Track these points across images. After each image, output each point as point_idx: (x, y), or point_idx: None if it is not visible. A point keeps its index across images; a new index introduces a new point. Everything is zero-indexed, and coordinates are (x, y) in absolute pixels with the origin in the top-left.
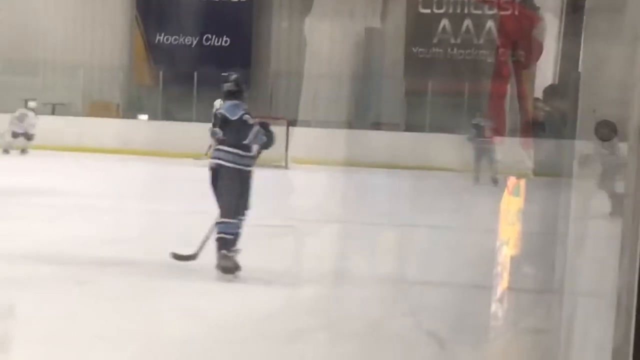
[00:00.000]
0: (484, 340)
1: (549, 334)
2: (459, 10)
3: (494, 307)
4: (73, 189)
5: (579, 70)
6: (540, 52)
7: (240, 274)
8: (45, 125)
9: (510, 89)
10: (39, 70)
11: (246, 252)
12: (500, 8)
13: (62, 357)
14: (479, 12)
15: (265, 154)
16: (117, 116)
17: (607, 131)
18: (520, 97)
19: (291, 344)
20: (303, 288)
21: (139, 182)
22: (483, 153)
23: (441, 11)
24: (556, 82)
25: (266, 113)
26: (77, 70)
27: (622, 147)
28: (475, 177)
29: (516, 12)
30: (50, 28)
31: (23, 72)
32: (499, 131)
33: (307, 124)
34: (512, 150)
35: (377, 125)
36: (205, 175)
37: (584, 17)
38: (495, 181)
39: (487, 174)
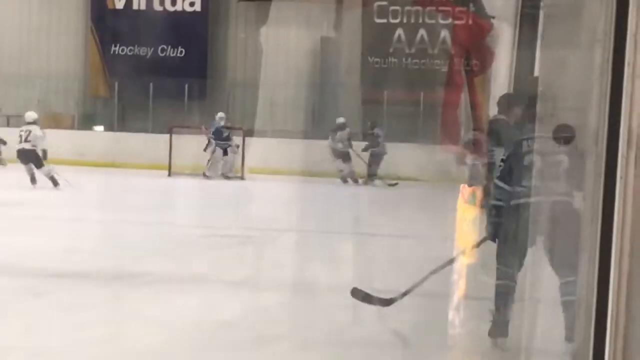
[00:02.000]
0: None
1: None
2: (413, 20)
3: (451, 314)
4: (28, 200)
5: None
6: (492, 60)
7: (203, 282)
8: None
9: (463, 97)
10: None
11: (205, 261)
12: (454, 17)
13: None
14: (433, 21)
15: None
16: (73, 127)
17: (566, 135)
18: (473, 105)
19: (252, 352)
20: (262, 296)
21: (95, 193)
22: None
23: (396, 21)
24: (511, 91)
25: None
26: (32, 81)
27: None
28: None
29: (470, 22)
30: (4, 38)
31: None
32: (452, 140)
33: (263, 133)
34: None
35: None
36: (164, 186)
37: (540, 25)
38: None
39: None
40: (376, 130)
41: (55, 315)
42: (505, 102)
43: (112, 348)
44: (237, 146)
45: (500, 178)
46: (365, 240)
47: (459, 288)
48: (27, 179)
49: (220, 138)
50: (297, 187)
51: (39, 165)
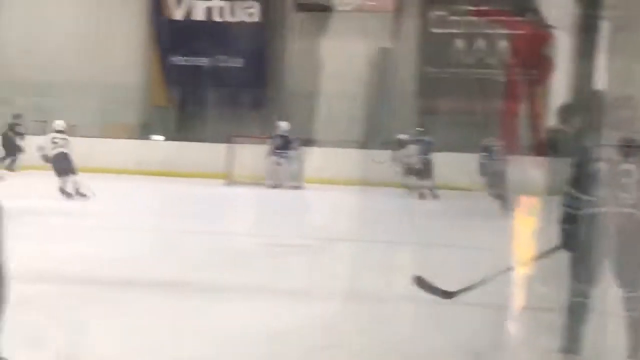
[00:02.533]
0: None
1: None
2: (471, 30)
3: (512, 327)
4: (88, 210)
5: (596, 87)
6: (552, 70)
7: (253, 292)
8: None
9: (522, 108)
10: (54, 92)
11: (262, 270)
12: (512, 28)
13: None
14: (492, 31)
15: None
16: (133, 137)
17: (629, 147)
18: (533, 115)
19: None
20: (319, 305)
21: (154, 202)
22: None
23: (454, 31)
24: (570, 101)
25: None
26: (92, 91)
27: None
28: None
29: (528, 31)
30: (66, 48)
31: (38, 94)
32: (512, 150)
33: (321, 143)
34: (524, 169)
35: (390, 145)
36: (221, 195)
37: (603, 35)
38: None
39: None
40: (426, 139)
41: (112, 323)
42: (565, 113)
43: (168, 357)
44: (298, 156)
45: (570, 185)
46: (422, 250)
47: (520, 299)
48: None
49: (279, 147)
50: (354, 196)
51: (74, 171)
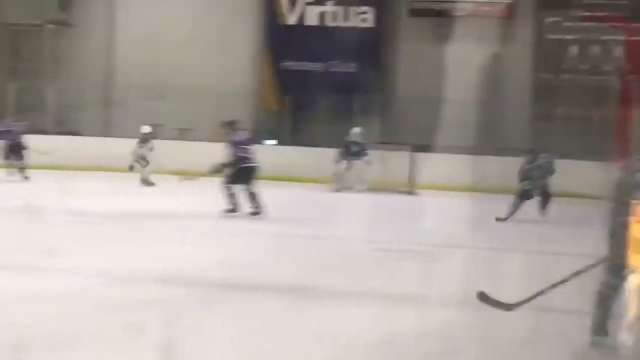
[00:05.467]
0: None
1: None
2: (587, 36)
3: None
4: (198, 213)
5: None
6: None
7: (368, 297)
8: (172, 151)
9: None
10: (168, 95)
11: (375, 276)
12: (628, 33)
13: None
14: (608, 37)
15: (391, 179)
16: None
17: None
18: None
19: None
20: (432, 312)
21: (269, 206)
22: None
23: (569, 37)
24: None
25: (392, 139)
26: (205, 96)
27: None
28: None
29: None
30: (179, 54)
31: (153, 97)
32: (624, 156)
33: (435, 149)
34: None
35: (503, 151)
36: (336, 201)
37: None
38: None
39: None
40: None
41: (233, 326)
42: None
43: None
44: (368, 161)
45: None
46: (534, 258)
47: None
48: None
49: (348, 152)
50: (467, 203)
51: None
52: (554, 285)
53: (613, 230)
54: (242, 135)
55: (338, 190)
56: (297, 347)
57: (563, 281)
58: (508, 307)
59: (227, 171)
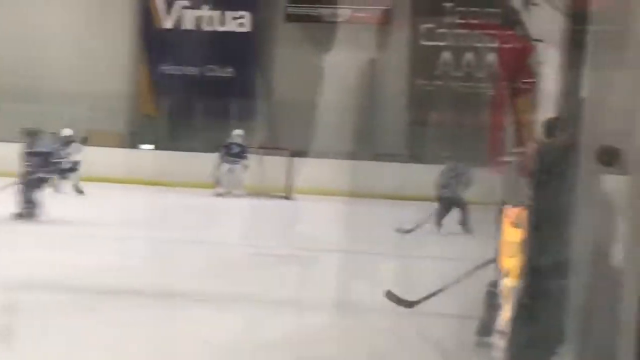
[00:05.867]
0: None
1: None
2: (460, 43)
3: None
4: (78, 218)
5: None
6: (535, 82)
7: (245, 302)
8: None
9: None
10: (44, 99)
11: (252, 281)
12: (501, 41)
13: None
14: (481, 44)
15: (269, 184)
16: (121, 146)
17: (609, 157)
18: (517, 127)
19: None
20: (307, 316)
21: (144, 211)
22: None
23: (443, 44)
24: (557, 114)
25: (270, 143)
26: (81, 99)
27: None
28: None
29: (516, 45)
30: (55, 57)
31: (28, 101)
32: (496, 162)
33: (310, 154)
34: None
35: (380, 156)
36: (216, 205)
37: (586, 49)
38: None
39: None
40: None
41: (103, 332)
42: (550, 126)
43: None
44: (247, 165)
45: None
46: (408, 262)
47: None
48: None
49: (229, 154)
50: (343, 208)
51: None
52: (449, 285)
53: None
54: (44, 144)
55: (218, 195)
56: (171, 352)
57: (457, 281)
58: (409, 304)
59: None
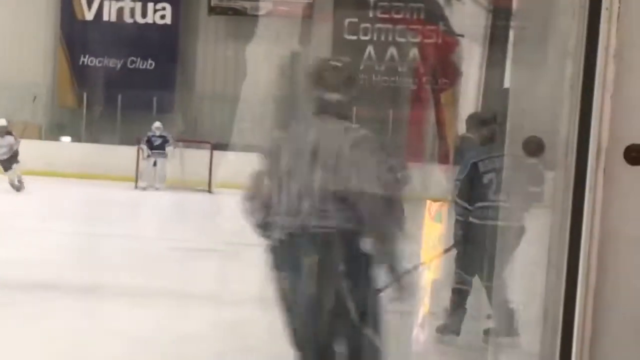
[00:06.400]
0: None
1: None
2: (383, 38)
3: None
4: None
5: (503, 96)
6: (458, 78)
7: (163, 296)
8: None
9: (429, 115)
10: None
11: (171, 274)
12: (423, 36)
13: None
14: (404, 39)
15: (189, 178)
16: (40, 138)
17: (535, 147)
18: (439, 122)
19: None
20: (226, 310)
21: (63, 204)
22: None
23: (366, 38)
24: (479, 109)
25: (190, 137)
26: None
27: None
28: None
29: (439, 40)
30: None
31: None
32: (417, 157)
33: (231, 147)
34: (429, 175)
35: None
36: (136, 199)
37: (510, 42)
38: None
39: None
40: None
41: (27, 327)
42: (473, 121)
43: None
44: (168, 158)
45: (459, 196)
46: None
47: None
48: None
49: (151, 147)
50: None
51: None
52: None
53: (458, 229)
54: None
55: (139, 187)
56: (90, 347)
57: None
58: None
59: None
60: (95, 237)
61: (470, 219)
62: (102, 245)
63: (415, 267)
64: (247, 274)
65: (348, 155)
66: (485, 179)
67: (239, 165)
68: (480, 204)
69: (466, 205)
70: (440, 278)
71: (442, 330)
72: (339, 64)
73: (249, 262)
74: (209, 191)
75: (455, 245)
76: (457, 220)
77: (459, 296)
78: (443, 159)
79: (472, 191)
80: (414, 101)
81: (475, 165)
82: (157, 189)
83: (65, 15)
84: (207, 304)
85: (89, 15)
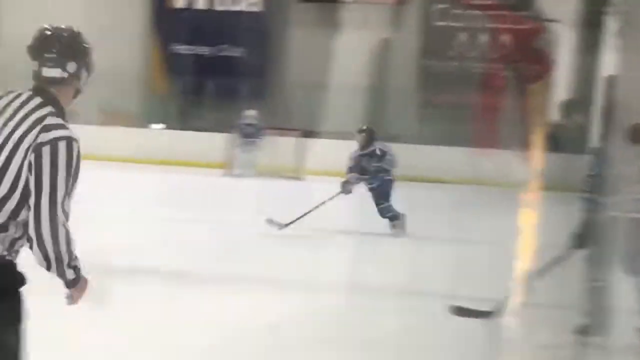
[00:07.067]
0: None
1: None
2: (474, 24)
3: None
4: (89, 198)
5: (599, 83)
6: (550, 63)
7: (250, 281)
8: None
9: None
10: None
11: (262, 261)
12: (514, 22)
13: None
14: (494, 25)
15: (279, 164)
16: (132, 125)
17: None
18: (526, 110)
19: (306, 352)
20: (318, 297)
21: (155, 191)
22: None
23: (457, 24)
24: (572, 96)
25: (280, 124)
26: (92, 79)
27: None
28: None
29: (530, 26)
30: None
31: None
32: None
33: (321, 135)
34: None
35: (389, 138)
36: (226, 185)
37: (610, 28)
38: None
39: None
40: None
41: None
42: (566, 108)
43: (168, 346)
44: (260, 145)
45: (592, 190)
46: (413, 243)
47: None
48: None
49: (242, 135)
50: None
51: None
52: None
53: (588, 223)
54: None
55: (229, 175)
56: (180, 333)
57: (544, 271)
58: (487, 314)
59: None
60: (186, 224)
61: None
62: (193, 231)
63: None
64: (336, 261)
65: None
66: (613, 169)
67: (329, 153)
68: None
69: (595, 197)
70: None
71: (583, 331)
72: (55, 32)
73: (337, 248)
74: (299, 178)
75: (583, 241)
76: (588, 216)
77: (597, 294)
78: (531, 146)
79: (601, 182)
80: (504, 88)
81: (604, 159)
82: (247, 176)
83: (157, 3)
84: (297, 291)
85: (180, 3)
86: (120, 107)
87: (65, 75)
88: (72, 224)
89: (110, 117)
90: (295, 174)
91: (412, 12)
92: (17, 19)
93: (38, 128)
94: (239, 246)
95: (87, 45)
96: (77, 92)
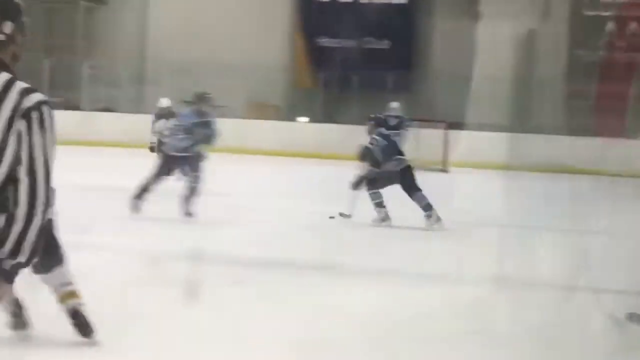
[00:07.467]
0: None
1: None
2: (624, 13)
3: None
4: (235, 191)
5: None
6: None
7: (396, 274)
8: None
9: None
10: (201, 72)
11: (404, 253)
12: None
13: (216, 357)
14: None
15: (424, 157)
16: (277, 118)
17: None
18: None
19: (446, 345)
20: (463, 290)
21: (302, 184)
22: None
23: (607, 14)
24: None
25: (426, 116)
26: (238, 72)
27: None
28: None
29: None
30: (211, 29)
31: (183, 73)
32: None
33: (468, 127)
34: None
35: (537, 129)
36: None
37: None
38: None
39: None
40: None
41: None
42: None
43: (304, 338)
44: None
45: None
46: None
47: None
48: None
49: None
50: (501, 181)
51: None
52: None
53: None
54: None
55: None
56: (324, 325)
57: None
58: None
59: None
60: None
61: None
62: (339, 224)
63: None
64: (479, 254)
65: None
66: None
67: (474, 144)
68: None
69: None
70: None
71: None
72: None
73: (481, 241)
74: (445, 170)
75: None
76: None
77: None
78: None
79: None
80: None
81: None
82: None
83: None
84: (440, 284)
85: None
86: (266, 100)
87: (3, 37)
88: (220, 216)
89: (257, 108)
90: (442, 166)
91: (560, 2)
92: (165, 21)
93: (15, 93)
94: (382, 239)
95: (19, 2)
96: (15, 57)
